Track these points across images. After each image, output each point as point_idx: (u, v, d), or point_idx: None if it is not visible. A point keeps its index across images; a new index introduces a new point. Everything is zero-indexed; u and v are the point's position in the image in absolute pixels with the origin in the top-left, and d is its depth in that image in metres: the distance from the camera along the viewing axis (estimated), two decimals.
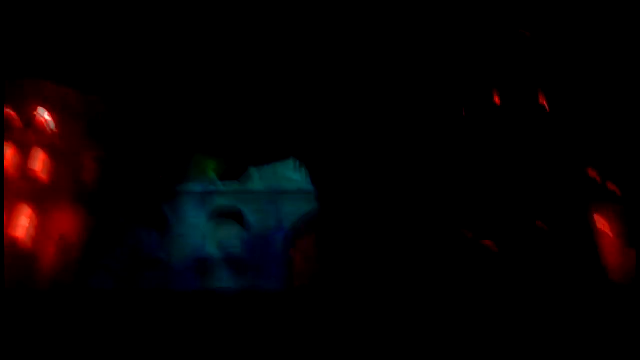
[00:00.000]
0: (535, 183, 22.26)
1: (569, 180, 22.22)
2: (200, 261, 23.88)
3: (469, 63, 25.37)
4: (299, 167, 25.99)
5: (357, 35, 25.90)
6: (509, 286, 19.51)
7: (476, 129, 22.98)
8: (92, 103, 29.26)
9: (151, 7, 27.64)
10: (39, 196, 27.20)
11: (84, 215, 26.69)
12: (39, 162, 27.62)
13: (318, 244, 24.74)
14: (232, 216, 25.11)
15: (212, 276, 23.57)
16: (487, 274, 21.22)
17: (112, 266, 25.26)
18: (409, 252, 23.14)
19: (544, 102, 23.51)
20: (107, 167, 27.06)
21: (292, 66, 28.13)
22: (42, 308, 15.90)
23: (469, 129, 23.18)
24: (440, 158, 22.92)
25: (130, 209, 25.80)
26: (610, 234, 20.95)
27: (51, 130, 28.21)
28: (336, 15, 26.08)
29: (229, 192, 25.50)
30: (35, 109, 28.01)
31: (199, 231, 24.53)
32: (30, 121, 27.68)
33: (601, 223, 21.43)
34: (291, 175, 25.87)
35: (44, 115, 28.19)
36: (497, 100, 24.88)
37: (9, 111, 27.40)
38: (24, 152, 27.13)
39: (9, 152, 26.85)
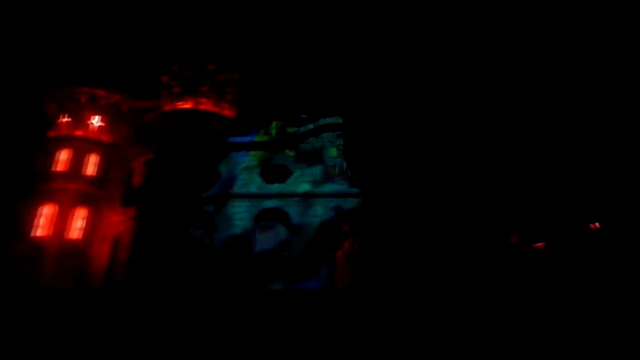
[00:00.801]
0: (589, 184, 21.45)
1: (623, 180, 21.28)
2: (247, 262, 24.23)
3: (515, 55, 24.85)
4: (344, 169, 26.06)
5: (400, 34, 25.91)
6: (561, 289, 18.78)
7: (528, 128, 22.44)
8: (142, 109, 30.51)
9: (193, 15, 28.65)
10: (94, 199, 28.56)
11: (135, 216, 27.77)
12: (94, 167, 29.02)
13: (362, 245, 24.67)
14: (278, 218, 25.38)
15: (259, 276, 23.87)
16: (537, 276, 20.51)
17: (163, 265, 26.03)
18: (453, 255, 22.70)
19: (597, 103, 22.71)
20: (156, 170, 28.06)
21: (339, 65, 28.41)
22: (96, 305, 16.49)
23: (521, 127, 22.64)
24: (491, 160, 22.44)
25: (180, 211, 26.59)
26: None
27: (104, 136, 29.61)
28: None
29: (275, 194, 25.78)
30: (90, 116, 29.48)
31: (246, 233, 24.94)
32: (85, 128, 29.17)
33: None
34: (337, 177, 25.92)
35: (98, 122, 29.63)
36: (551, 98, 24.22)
37: (67, 119, 29.02)
38: (80, 158, 28.56)
39: (66, 158, 28.36)
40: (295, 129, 27.86)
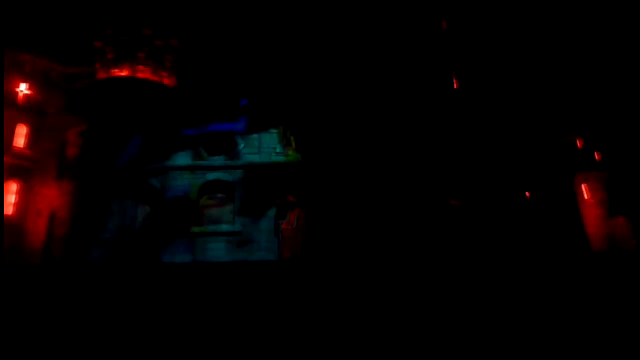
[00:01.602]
0: (522, 153, 22.47)
1: (555, 150, 22.48)
2: (190, 234, 23.98)
3: (453, 35, 25.09)
4: (289, 139, 25.87)
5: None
6: (496, 257, 19.95)
7: (462, 100, 22.95)
8: (74, 76, 28.59)
9: None
10: (26, 173, 26.96)
11: (71, 190, 26.55)
12: (23, 138, 27.22)
13: (308, 216, 24.95)
14: (223, 190, 25.07)
15: (203, 249, 23.76)
16: (474, 244, 21.61)
17: (103, 240, 25.32)
18: (396, 222, 23.42)
19: (531, 67, 23.49)
20: (92, 141, 26.69)
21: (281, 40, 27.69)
22: (34, 282, 15.95)
23: (455, 100, 23.13)
24: (426, 130, 22.92)
25: (119, 183, 25.65)
26: (595, 203, 21.42)
27: (34, 105, 27.64)
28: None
29: (219, 165, 25.33)
30: (17, 83, 27.31)
31: (189, 205, 24.52)
32: (12, 96, 27.04)
33: (586, 193, 21.88)
34: (283, 148, 25.75)
35: (27, 89, 27.54)
36: (484, 68, 24.80)
37: None
38: (8, 129, 26.64)
39: None
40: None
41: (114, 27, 26.62)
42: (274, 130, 26.08)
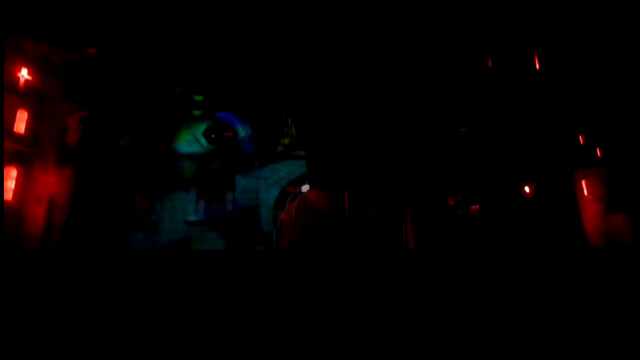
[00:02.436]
0: (522, 149, 22.39)
1: (556, 146, 22.38)
2: (190, 223, 24.00)
3: (458, 24, 24.90)
4: (289, 129, 25.84)
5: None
6: (493, 250, 19.94)
7: (462, 93, 22.84)
8: (74, 62, 28.46)
9: None
10: (26, 158, 26.92)
11: (71, 176, 26.54)
12: (23, 124, 27.14)
13: (306, 206, 24.99)
14: (222, 178, 25.08)
15: (202, 238, 23.80)
16: (471, 237, 21.61)
17: (102, 227, 25.38)
18: (393, 212, 23.43)
19: (534, 64, 23.33)
20: (92, 128, 26.67)
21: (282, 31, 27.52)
22: (33, 268, 15.96)
23: (455, 93, 23.02)
24: (426, 125, 22.85)
25: (118, 171, 25.67)
26: (594, 199, 21.35)
27: (34, 91, 27.54)
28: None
29: (219, 154, 25.31)
30: (18, 69, 27.18)
31: (189, 193, 24.53)
32: (13, 82, 26.94)
33: (586, 189, 21.81)
34: (283, 139, 25.73)
35: (26, 75, 27.40)
36: (489, 63, 24.64)
37: None
38: (9, 114, 26.57)
39: None
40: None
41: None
42: (274, 121, 26.06)
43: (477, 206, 22.95)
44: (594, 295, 10.28)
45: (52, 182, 27.13)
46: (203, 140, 25.75)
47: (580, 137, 22.72)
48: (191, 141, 25.65)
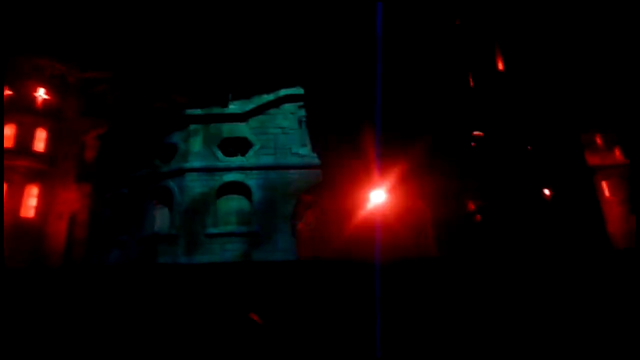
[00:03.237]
0: (542, 150, 22.16)
1: (575, 147, 22.12)
2: (208, 236, 24.14)
3: (470, 27, 24.82)
4: (306, 140, 25.90)
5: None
6: (514, 255, 19.71)
7: (480, 96, 22.69)
8: (91, 80, 28.95)
9: None
10: (46, 176, 27.44)
11: (91, 193, 26.96)
12: (42, 142, 27.68)
13: (324, 216, 24.94)
14: (239, 191, 25.19)
15: (221, 250, 23.91)
16: (493, 242, 21.40)
17: (122, 242, 25.68)
18: (414, 221, 23.31)
19: (550, 64, 23.12)
20: (110, 144, 27.03)
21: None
22: (55, 285, 16.19)
23: (473, 96, 22.88)
24: (443, 128, 22.74)
25: (137, 186, 25.97)
26: (617, 200, 21.04)
27: (52, 109, 28.07)
28: None
29: (235, 167, 25.45)
30: (35, 88, 27.75)
31: (206, 206, 24.67)
32: (31, 101, 27.51)
33: (608, 190, 21.51)
34: (298, 149, 25.78)
35: (45, 94, 27.95)
36: (500, 66, 24.49)
37: (8, 92, 27.17)
38: (26, 133, 27.14)
39: (12, 133, 26.86)
40: (256, 100, 27.21)
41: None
42: (290, 131, 26.14)
43: (500, 211, 22.75)
44: (620, 296, 10.12)
45: (72, 199, 27.59)
46: (219, 153, 25.92)
47: (599, 138, 22.43)
48: (207, 155, 25.82)
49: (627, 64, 21.48)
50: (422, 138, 22.26)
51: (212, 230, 24.20)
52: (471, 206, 23.95)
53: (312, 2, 26.89)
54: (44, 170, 27.39)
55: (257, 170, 25.10)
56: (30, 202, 27.08)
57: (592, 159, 21.83)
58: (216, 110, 27.02)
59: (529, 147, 22.12)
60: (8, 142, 26.70)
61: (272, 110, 26.74)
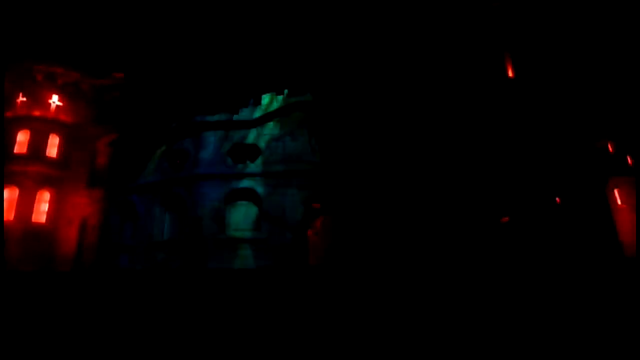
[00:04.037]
0: (552, 158, 22.09)
1: (586, 155, 22.03)
2: (218, 242, 24.25)
3: (479, 33, 24.88)
4: (315, 147, 26.00)
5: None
6: (526, 263, 19.62)
7: (490, 103, 22.70)
8: (103, 87, 29.35)
9: None
10: (58, 182, 27.74)
11: (102, 198, 27.25)
12: (55, 148, 28.04)
13: (334, 223, 24.99)
14: (249, 198, 25.31)
15: (230, 256, 23.99)
16: (505, 251, 21.31)
17: (132, 248, 25.88)
18: (424, 230, 23.26)
19: (561, 71, 23.09)
20: (122, 151, 27.40)
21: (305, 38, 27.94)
22: (66, 289, 16.33)
23: (483, 103, 22.89)
24: (455, 138, 22.76)
25: (148, 192, 26.22)
26: (628, 208, 20.85)
27: (64, 115, 28.46)
28: None
29: (245, 174, 25.59)
30: (48, 95, 28.18)
31: (215, 213, 24.80)
32: (45, 107, 27.92)
33: (619, 198, 21.33)
34: (307, 156, 25.87)
35: (56, 101, 28.37)
36: (510, 73, 24.50)
37: (22, 98, 27.63)
38: (40, 139, 27.53)
39: (25, 139, 27.28)
40: (266, 107, 27.44)
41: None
42: (299, 138, 26.28)
43: (507, 218, 22.66)
44: (631, 304, 10.05)
45: (83, 204, 27.85)
46: (229, 160, 26.11)
47: (610, 145, 22.30)
48: (217, 161, 26.02)
49: (638, 71, 21.42)
50: (435, 145, 22.33)
51: (222, 236, 24.31)
52: (484, 213, 23.87)
53: (322, 10, 27.10)
54: (56, 176, 27.70)
55: (266, 177, 25.22)
56: (42, 207, 27.36)
57: (604, 167, 21.73)
58: (226, 117, 27.30)
59: (541, 155, 22.06)
60: (21, 148, 27.10)
61: (281, 117, 26.94)
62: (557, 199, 21.60)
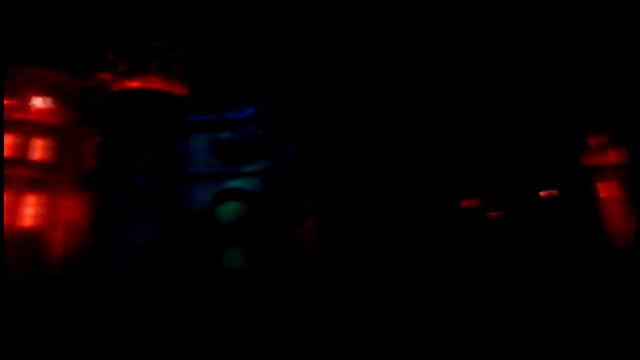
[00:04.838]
0: (540, 152, 22.29)
1: (573, 149, 22.28)
2: (209, 242, 24.16)
3: (463, 25, 24.93)
4: (305, 146, 25.93)
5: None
6: (514, 255, 19.86)
7: (476, 96, 22.81)
8: (88, 89, 28.90)
9: None
10: (44, 185, 27.34)
11: (90, 201, 26.91)
12: (41, 151, 27.60)
13: (324, 221, 25.02)
14: (239, 197, 25.23)
15: (222, 257, 23.95)
16: (493, 242, 21.52)
17: (124, 250, 25.68)
18: (413, 225, 23.40)
19: (549, 65, 23.27)
20: (109, 152, 27.04)
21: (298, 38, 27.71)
22: (55, 292, 16.18)
23: (469, 96, 23.00)
24: (442, 130, 22.85)
25: (137, 194, 25.98)
26: (615, 201, 21.20)
27: (49, 118, 27.99)
28: None
29: (235, 173, 25.48)
30: (32, 97, 27.70)
31: (207, 213, 24.70)
32: (29, 110, 27.44)
33: (606, 191, 21.67)
34: (297, 155, 25.83)
35: (41, 103, 27.90)
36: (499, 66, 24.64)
37: (7, 101, 27.11)
38: (25, 142, 27.08)
39: (11, 142, 26.80)
40: (255, 107, 27.27)
41: (126, 39, 26.93)
42: (288, 137, 26.21)
43: (496, 212, 22.91)
44: (618, 295, 10.23)
45: (71, 207, 27.50)
46: (218, 160, 25.95)
47: (598, 139, 22.60)
48: (206, 161, 25.85)
49: (622, 67, 21.67)
50: (420, 140, 22.41)
51: (212, 236, 24.24)
52: (472, 204, 24.06)
53: (307, 13, 26.96)
54: (43, 179, 27.30)
55: (256, 176, 25.16)
56: (29, 211, 26.99)
57: (589, 161, 22.03)
58: (215, 117, 27.10)
59: (529, 149, 22.27)
60: (6, 152, 26.65)
61: (270, 117, 26.80)
62: (541, 193, 21.88)
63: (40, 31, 27.98)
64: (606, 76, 21.93)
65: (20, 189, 26.65)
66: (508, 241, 21.07)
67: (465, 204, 23.67)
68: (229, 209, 25.23)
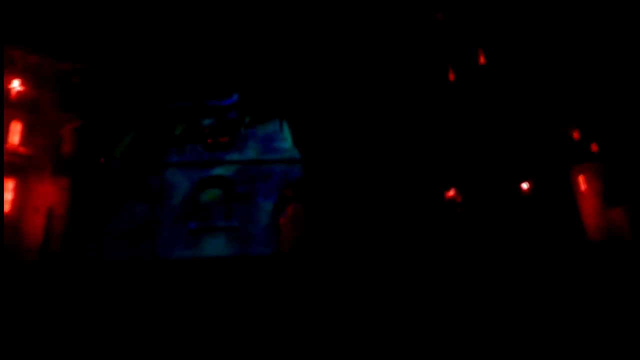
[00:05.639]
0: (518, 145, 22.39)
1: (552, 142, 22.40)
2: (190, 230, 23.98)
3: (452, 22, 24.81)
4: (287, 133, 25.77)
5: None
6: (492, 247, 20.00)
7: (458, 91, 22.79)
8: (67, 71, 28.26)
9: None
10: (22, 170, 26.83)
11: (68, 187, 26.47)
12: (18, 135, 27.03)
13: (306, 210, 24.96)
14: (221, 186, 25.04)
15: (202, 244, 23.80)
16: (471, 235, 21.65)
17: (101, 236, 25.38)
18: (393, 216, 23.45)
19: (528, 60, 23.27)
20: (88, 137, 26.55)
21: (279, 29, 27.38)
22: (32, 279, 15.96)
23: (451, 90, 22.97)
24: (423, 124, 22.81)
25: (116, 180, 25.62)
26: (592, 194, 21.40)
27: (27, 102, 27.37)
28: None
29: (218, 161, 25.27)
30: (9, 80, 27.01)
31: (188, 200, 24.49)
32: (5, 93, 26.78)
33: (583, 184, 21.86)
34: (280, 143, 25.67)
35: (18, 87, 27.23)
36: (481, 60, 24.59)
37: None
38: (3, 126, 26.48)
39: None
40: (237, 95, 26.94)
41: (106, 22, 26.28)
42: (271, 125, 26.01)
43: (475, 205, 23.02)
44: (594, 288, 10.32)
45: (49, 193, 27.05)
46: (201, 148, 25.67)
47: (575, 133, 22.74)
48: (189, 149, 25.56)
49: (604, 61, 21.75)
50: (404, 132, 22.33)
51: (193, 224, 24.07)
52: (451, 197, 24.16)
53: (297, 8, 26.58)
54: (19, 164, 26.77)
55: (238, 164, 24.97)
56: (6, 196, 26.49)
57: (568, 154, 22.18)
58: (197, 103, 26.74)
59: (507, 142, 22.33)
60: None
61: (255, 106, 26.51)
62: (521, 185, 22.02)
63: (19, 12, 27.18)
64: (584, 70, 22.02)
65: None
66: (486, 233, 21.21)
67: (447, 195, 23.76)
68: (210, 197, 25.03)
